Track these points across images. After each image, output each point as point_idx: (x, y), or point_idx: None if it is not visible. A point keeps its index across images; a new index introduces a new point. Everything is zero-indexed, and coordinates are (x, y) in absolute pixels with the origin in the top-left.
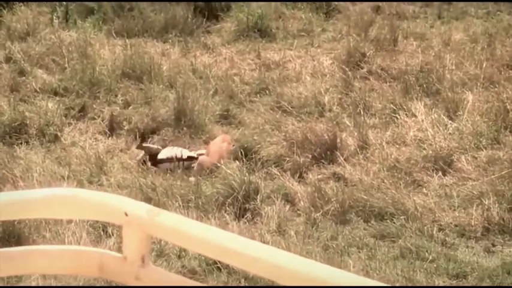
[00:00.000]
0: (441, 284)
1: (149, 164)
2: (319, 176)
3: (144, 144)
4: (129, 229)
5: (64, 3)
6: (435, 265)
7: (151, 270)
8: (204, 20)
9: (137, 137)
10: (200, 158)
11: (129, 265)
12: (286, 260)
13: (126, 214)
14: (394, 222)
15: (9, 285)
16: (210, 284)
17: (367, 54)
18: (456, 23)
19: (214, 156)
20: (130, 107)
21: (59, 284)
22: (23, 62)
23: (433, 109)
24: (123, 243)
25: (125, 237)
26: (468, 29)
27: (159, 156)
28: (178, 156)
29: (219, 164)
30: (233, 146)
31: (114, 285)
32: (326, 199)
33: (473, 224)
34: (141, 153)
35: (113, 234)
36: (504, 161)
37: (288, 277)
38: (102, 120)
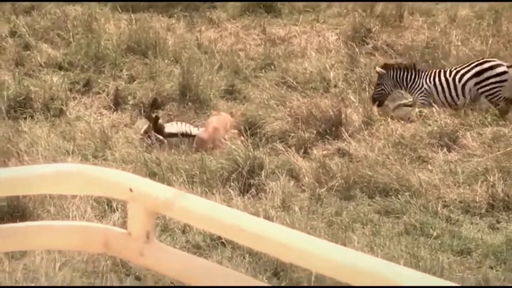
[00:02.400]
0: (445, 260)
1: (153, 135)
2: (324, 152)
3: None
4: (133, 205)
5: None
6: (439, 241)
7: (155, 247)
8: None
9: (142, 111)
10: (198, 133)
11: (134, 241)
12: (292, 237)
13: (131, 190)
14: (398, 198)
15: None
16: (214, 259)
17: (373, 30)
18: None
19: (214, 131)
20: (135, 82)
21: (63, 259)
22: (27, 36)
23: None
24: (128, 219)
25: (129, 214)
26: (474, 5)
27: (169, 130)
28: (189, 132)
29: (222, 140)
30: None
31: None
32: (331, 175)
33: (477, 200)
34: (146, 125)
35: (117, 209)
36: (509, 137)
37: (294, 255)
38: (107, 95)
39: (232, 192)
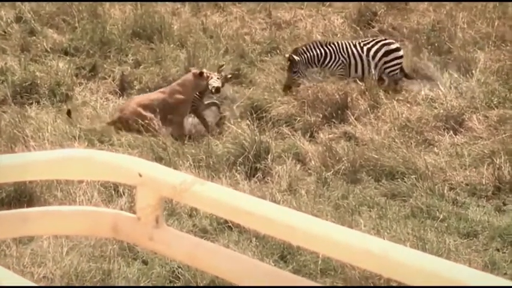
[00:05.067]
0: (452, 243)
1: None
2: (330, 136)
3: None
4: (143, 190)
5: None
6: (446, 224)
7: (165, 231)
8: None
9: None
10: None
11: (143, 226)
12: (301, 221)
13: (140, 175)
14: (405, 182)
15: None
16: (221, 243)
17: (378, 12)
18: None
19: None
20: (141, 67)
21: (70, 243)
22: (33, 21)
23: (445, 68)
24: (137, 204)
25: (138, 198)
26: None
27: None
28: None
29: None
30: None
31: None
32: (337, 158)
33: (484, 183)
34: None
35: (124, 194)
36: None
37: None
38: (113, 80)
39: (238, 176)
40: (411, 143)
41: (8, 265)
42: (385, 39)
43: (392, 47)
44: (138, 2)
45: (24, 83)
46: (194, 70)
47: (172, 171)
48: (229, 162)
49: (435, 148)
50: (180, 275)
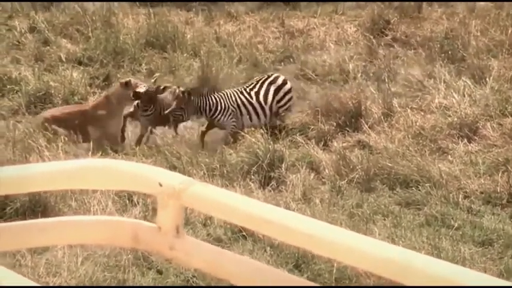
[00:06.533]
0: (467, 251)
1: None
2: (344, 144)
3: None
4: (163, 199)
5: None
6: (461, 232)
7: (185, 241)
8: None
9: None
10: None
11: (164, 235)
12: (320, 228)
13: (160, 184)
14: (419, 190)
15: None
16: (235, 252)
17: (392, 21)
18: None
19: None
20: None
21: (85, 253)
22: (47, 31)
23: (458, 76)
24: (158, 213)
25: (159, 208)
26: None
27: None
28: None
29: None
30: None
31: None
32: (351, 167)
33: (499, 191)
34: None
35: (138, 203)
36: None
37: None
38: None
39: (252, 185)
40: (425, 151)
41: (23, 275)
42: (268, 77)
43: (279, 82)
44: (152, 12)
45: (38, 92)
46: (121, 80)
47: (193, 181)
48: (243, 171)
49: (449, 156)
50: (194, 284)
